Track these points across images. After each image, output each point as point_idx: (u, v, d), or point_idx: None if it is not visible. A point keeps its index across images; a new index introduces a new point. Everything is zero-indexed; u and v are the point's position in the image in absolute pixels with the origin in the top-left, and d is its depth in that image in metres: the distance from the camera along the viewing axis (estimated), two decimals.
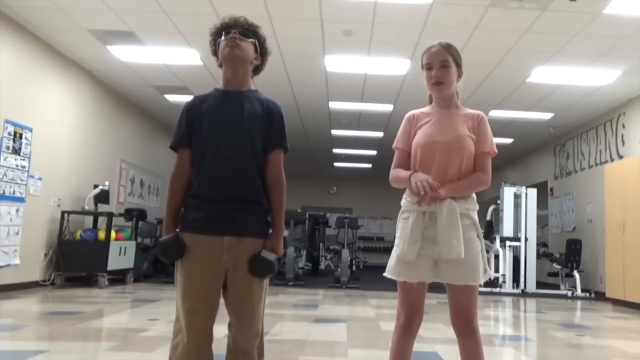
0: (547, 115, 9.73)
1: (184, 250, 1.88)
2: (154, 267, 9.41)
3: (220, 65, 2.01)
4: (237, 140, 1.90)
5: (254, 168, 1.90)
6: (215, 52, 2.01)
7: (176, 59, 7.42)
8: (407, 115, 2.29)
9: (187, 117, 1.96)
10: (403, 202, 2.19)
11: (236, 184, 1.89)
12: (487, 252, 7.16)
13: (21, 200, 6.62)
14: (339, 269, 9.50)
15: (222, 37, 1.97)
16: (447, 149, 2.13)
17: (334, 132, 11.96)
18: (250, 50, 1.98)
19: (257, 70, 2.07)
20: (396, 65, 7.40)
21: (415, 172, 2.11)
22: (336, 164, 16.54)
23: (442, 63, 2.16)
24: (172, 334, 1.92)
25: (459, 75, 2.23)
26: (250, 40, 1.98)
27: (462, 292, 2.07)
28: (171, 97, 9.51)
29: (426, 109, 2.28)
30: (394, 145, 2.28)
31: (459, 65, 2.22)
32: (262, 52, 2.03)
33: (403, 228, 2.13)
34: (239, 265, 1.87)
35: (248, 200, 1.90)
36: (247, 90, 2.00)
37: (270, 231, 1.95)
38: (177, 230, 1.93)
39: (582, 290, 9.02)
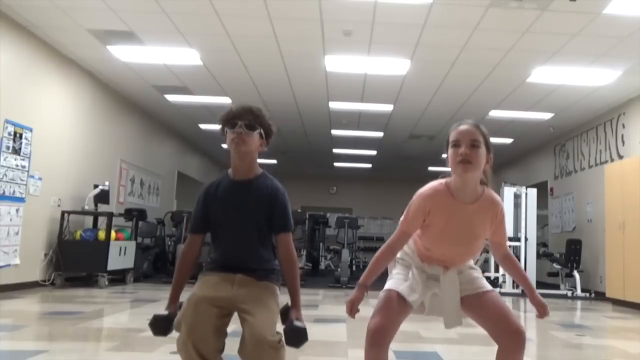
0: (547, 115, 9.73)
1: (169, 329, 2.11)
2: (154, 267, 9.42)
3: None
4: (244, 224, 2.18)
5: (257, 244, 2.19)
6: (223, 133, 2.22)
7: (176, 59, 7.40)
8: (424, 198, 2.02)
9: (203, 204, 2.25)
10: (403, 254, 2.18)
11: (242, 258, 2.18)
12: (487, 252, 7.15)
13: (21, 200, 6.62)
14: (339, 269, 9.51)
15: (230, 128, 2.15)
16: (463, 252, 2.12)
17: (334, 132, 11.96)
18: (256, 141, 2.17)
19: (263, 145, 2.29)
20: (396, 65, 7.40)
21: (362, 285, 2.04)
22: (336, 164, 16.53)
23: (472, 142, 1.93)
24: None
25: (487, 162, 1.99)
26: (256, 131, 2.17)
27: (490, 300, 2.05)
28: (171, 97, 9.50)
29: (443, 192, 2.02)
30: (401, 222, 2.08)
31: (489, 150, 1.99)
32: (267, 135, 2.23)
33: (404, 272, 2.14)
34: (249, 293, 2.10)
35: (251, 269, 2.18)
36: (253, 178, 2.23)
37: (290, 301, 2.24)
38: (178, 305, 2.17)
39: (582, 290, 9.03)
